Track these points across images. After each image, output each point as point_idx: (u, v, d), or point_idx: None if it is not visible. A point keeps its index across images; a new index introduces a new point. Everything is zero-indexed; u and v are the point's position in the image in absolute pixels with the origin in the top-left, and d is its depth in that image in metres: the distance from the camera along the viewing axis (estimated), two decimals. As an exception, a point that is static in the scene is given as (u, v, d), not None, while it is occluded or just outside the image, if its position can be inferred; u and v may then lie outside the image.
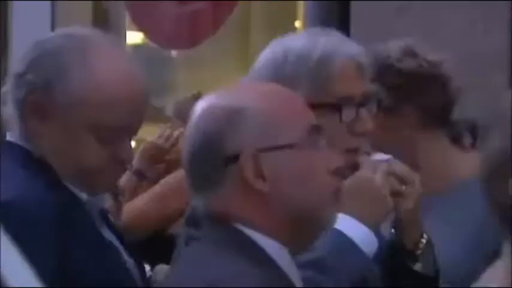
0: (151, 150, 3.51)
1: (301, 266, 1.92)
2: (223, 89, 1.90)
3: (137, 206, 3.21)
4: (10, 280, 1.20)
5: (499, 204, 1.44)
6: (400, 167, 2.12)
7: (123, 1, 5.69)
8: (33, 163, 2.04)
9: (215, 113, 1.77)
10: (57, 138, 2.03)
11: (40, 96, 2.03)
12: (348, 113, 2.14)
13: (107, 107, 2.02)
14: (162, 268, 2.52)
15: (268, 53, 2.19)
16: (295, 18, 6.32)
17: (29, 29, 5.14)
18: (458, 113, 3.15)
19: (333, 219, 1.81)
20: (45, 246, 1.86)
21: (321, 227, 1.79)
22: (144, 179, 3.43)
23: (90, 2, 5.91)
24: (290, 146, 1.74)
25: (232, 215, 1.74)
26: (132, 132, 2.09)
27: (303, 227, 1.76)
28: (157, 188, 3.35)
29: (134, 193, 3.33)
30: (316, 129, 1.79)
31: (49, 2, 5.49)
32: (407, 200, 2.10)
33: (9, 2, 5.67)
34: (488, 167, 1.45)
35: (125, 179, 3.27)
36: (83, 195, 2.05)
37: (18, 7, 5.64)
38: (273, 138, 1.74)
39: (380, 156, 2.16)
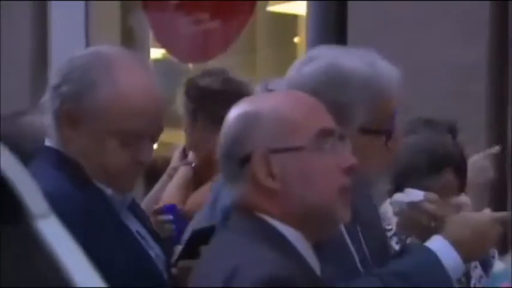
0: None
1: (386, 273, 1.91)
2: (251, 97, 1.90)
3: (203, 199, 3.13)
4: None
5: None
6: (435, 208, 2.06)
7: (148, 21, 5.69)
8: (67, 164, 2.05)
9: (236, 118, 1.78)
10: (86, 143, 2.04)
11: (72, 106, 2.04)
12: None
13: (129, 116, 2.02)
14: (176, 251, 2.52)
15: (313, 69, 2.03)
16: (295, 35, 6.32)
17: (66, 48, 5.15)
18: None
19: (341, 215, 1.76)
20: (76, 235, 1.86)
21: (330, 220, 1.77)
22: (203, 174, 3.27)
23: (118, 22, 5.91)
24: (298, 148, 1.73)
25: (253, 206, 1.74)
26: (151, 137, 2.09)
27: (314, 220, 1.74)
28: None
29: (191, 186, 3.26)
30: (326, 132, 1.76)
31: (83, 23, 5.51)
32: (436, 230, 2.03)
33: (48, 25, 5.68)
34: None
35: (182, 174, 3.27)
36: (109, 191, 2.06)
37: (56, 31, 5.65)
38: (283, 141, 1.73)
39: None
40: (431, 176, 2.63)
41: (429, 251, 1.95)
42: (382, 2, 4.07)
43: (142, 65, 2.14)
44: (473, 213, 2.06)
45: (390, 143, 2.03)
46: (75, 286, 1.22)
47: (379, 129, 2.02)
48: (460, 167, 2.69)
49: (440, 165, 2.65)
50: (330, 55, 2.07)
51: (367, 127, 2.01)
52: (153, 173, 3.53)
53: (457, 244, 1.95)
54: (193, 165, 3.34)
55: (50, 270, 1.24)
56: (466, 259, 1.97)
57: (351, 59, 2.04)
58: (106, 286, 1.26)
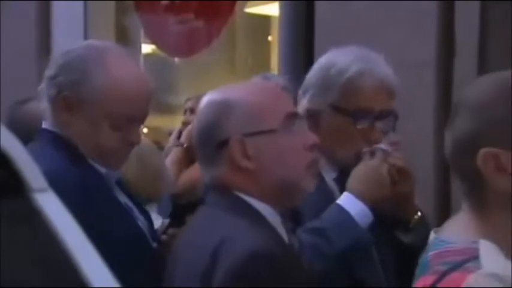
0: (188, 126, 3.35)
1: (306, 231, 1.92)
2: (220, 87, 1.87)
3: (193, 177, 3.08)
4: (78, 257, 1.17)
5: (462, 174, 1.43)
6: (400, 160, 2.06)
7: (139, 20, 5.68)
8: (64, 145, 2.03)
9: (210, 107, 1.75)
10: (81, 126, 2.02)
11: (68, 94, 2.02)
12: (364, 123, 2.07)
13: (121, 101, 2.00)
14: (165, 222, 2.48)
15: (321, 61, 2.16)
16: (269, 34, 6.29)
17: (67, 45, 5.12)
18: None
19: (309, 185, 1.77)
20: (74, 207, 1.84)
21: (300, 192, 1.77)
22: (194, 154, 3.25)
23: (113, 22, 5.89)
24: (270, 131, 1.71)
25: (230, 185, 1.72)
26: (140, 120, 2.08)
27: (286, 193, 1.73)
28: None
29: (188, 165, 3.19)
30: (292, 115, 1.75)
31: (82, 23, 5.50)
32: (401, 187, 2.05)
33: (50, 24, 5.66)
34: (452, 145, 1.44)
35: (174, 156, 3.21)
36: (102, 169, 2.05)
37: (58, 29, 5.62)
38: (256, 125, 1.71)
39: (383, 146, 2.08)
40: None
41: (338, 206, 1.98)
42: (345, 3, 4.06)
43: (130, 57, 2.12)
44: (364, 164, 2.04)
45: (361, 130, 2.06)
46: (72, 256, 1.17)
47: (345, 109, 2.06)
48: None
49: None
50: (330, 54, 2.19)
51: (336, 105, 2.07)
52: None
53: (359, 194, 1.97)
54: (184, 146, 3.28)
55: (48, 241, 1.19)
56: (372, 204, 1.98)
57: (346, 53, 2.15)
58: (99, 256, 1.21)
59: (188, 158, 3.25)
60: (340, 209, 1.98)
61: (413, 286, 1.45)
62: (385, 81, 2.10)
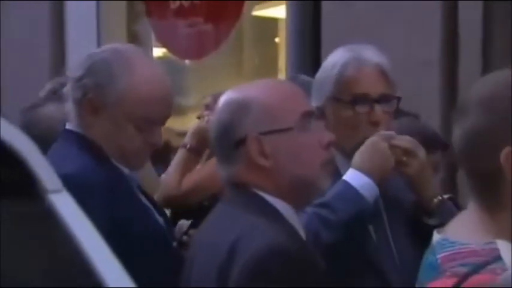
0: (201, 132, 3.21)
1: (313, 205, 1.92)
2: (238, 86, 1.86)
3: (195, 180, 3.04)
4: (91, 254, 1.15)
5: (476, 172, 1.38)
6: (404, 141, 2.08)
7: (150, 24, 5.68)
8: (88, 145, 2.03)
9: (228, 106, 1.73)
10: (105, 127, 2.02)
11: (94, 96, 2.02)
12: (363, 107, 2.12)
13: (144, 104, 2.00)
14: (183, 223, 2.45)
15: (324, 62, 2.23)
16: (276, 36, 6.27)
17: (80, 49, 5.14)
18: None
19: (323, 183, 1.75)
20: (101, 206, 1.84)
21: (314, 189, 1.75)
22: (198, 155, 3.23)
23: (125, 26, 5.90)
24: (286, 130, 1.70)
25: (247, 182, 1.70)
26: (161, 122, 2.08)
27: (301, 190, 1.72)
28: (208, 168, 3.12)
29: (192, 167, 3.13)
30: (308, 114, 1.74)
31: (95, 27, 5.51)
32: (408, 168, 2.06)
33: (65, 28, 5.67)
34: (465, 142, 1.39)
35: (179, 157, 3.16)
36: (125, 170, 2.05)
37: (72, 34, 5.63)
38: (273, 124, 1.70)
39: (388, 131, 2.12)
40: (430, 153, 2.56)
41: (343, 181, 2.02)
42: (351, 4, 4.04)
43: (153, 60, 2.17)
44: (365, 143, 2.06)
45: (362, 115, 2.11)
46: (86, 255, 1.15)
47: (343, 97, 2.13)
48: (445, 148, 2.68)
49: (431, 145, 2.60)
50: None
51: (334, 96, 2.13)
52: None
53: (363, 168, 2.00)
54: (187, 146, 3.22)
55: (62, 241, 1.17)
56: (376, 177, 2.00)
57: (339, 50, 2.20)
58: (114, 255, 1.19)
59: (192, 158, 3.18)
60: (345, 182, 2.01)
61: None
62: (375, 66, 2.14)
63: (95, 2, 5.72)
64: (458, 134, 1.40)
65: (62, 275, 1.14)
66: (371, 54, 2.16)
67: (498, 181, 1.34)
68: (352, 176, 2.02)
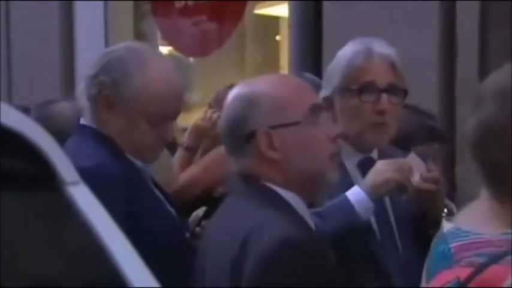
0: (197, 130, 3.25)
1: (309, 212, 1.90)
2: (247, 80, 1.85)
3: (188, 177, 3.05)
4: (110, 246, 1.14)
5: (489, 161, 1.36)
6: (408, 166, 2.05)
7: (156, 23, 5.68)
8: (104, 140, 2.05)
9: (237, 101, 1.73)
10: (120, 123, 2.04)
11: (109, 93, 2.03)
12: (369, 96, 2.11)
13: (157, 101, 2.02)
14: (198, 213, 2.45)
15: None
16: (277, 34, 6.26)
17: (89, 48, 5.15)
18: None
19: (332, 175, 1.74)
20: (118, 199, 1.84)
21: (323, 182, 1.74)
22: (194, 153, 3.23)
23: (131, 24, 5.90)
24: (295, 123, 1.69)
25: (257, 175, 1.70)
26: (173, 118, 2.09)
27: (310, 182, 1.71)
28: (202, 162, 3.13)
29: (188, 165, 3.15)
30: (317, 108, 1.73)
31: (103, 27, 5.51)
32: (408, 190, 2.03)
33: (74, 29, 5.67)
34: (479, 133, 1.37)
35: (178, 155, 3.17)
36: (139, 163, 2.06)
37: (80, 34, 5.63)
38: (281, 118, 1.69)
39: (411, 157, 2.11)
40: (428, 144, 2.54)
41: (344, 196, 2.02)
42: (352, 4, 4.04)
43: (166, 58, 2.18)
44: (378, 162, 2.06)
45: (369, 104, 2.09)
46: (105, 247, 1.15)
47: (350, 86, 2.11)
48: (444, 140, 2.68)
49: (435, 137, 2.62)
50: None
51: (342, 86, 2.12)
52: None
53: (364, 187, 2.00)
54: (184, 146, 3.23)
55: (81, 233, 1.17)
56: (372, 195, 1.99)
57: (349, 43, 2.20)
58: (132, 246, 1.19)
59: (188, 157, 3.18)
60: (343, 196, 2.01)
61: (426, 278, 1.39)
62: (383, 57, 2.14)
63: (102, 2, 5.72)
64: (472, 124, 1.38)
65: (81, 266, 1.14)
66: (381, 46, 2.16)
67: (509, 172, 1.33)
68: (353, 192, 2.01)
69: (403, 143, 2.50)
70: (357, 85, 2.11)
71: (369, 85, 2.10)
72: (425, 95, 3.64)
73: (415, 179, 2.05)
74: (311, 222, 1.73)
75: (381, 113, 2.09)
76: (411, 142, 2.53)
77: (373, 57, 2.13)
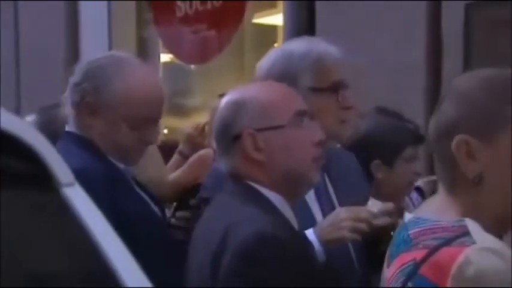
0: (186, 137, 3.22)
1: None
2: (235, 88, 1.84)
3: (173, 179, 3.05)
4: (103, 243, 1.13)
5: (440, 156, 1.40)
6: (364, 213, 1.89)
7: (158, 32, 5.69)
8: (87, 144, 2.05)
9: (228, 105, 1.75)
10: (102, 127, 2.04)
11: (91, 100, 2.04)
12: (342, 95, 2.02)
13: (136, 105, 2.02)
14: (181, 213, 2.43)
15: (274, 56, 2.05)
16: (274, 42, 6.27)
17: (94, 54, 5.13)
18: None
19: (314, 178, 1.73)
20: (103, 199, 1.82)
21: (305, 184, 1.74)
22: (186, 157, 3.24)
23: (134, 33, 5.90)
24: (280, 127, 1.69)
25: (244, 175, 1.71)
26: (154, 121, 2.08)
27: (293, 183, 1.70)
28: (186, 167, 3.12)
29: (177, 167, 3.14)
30: (301, 113, 1.73)
31: (106, 35, 5.51)
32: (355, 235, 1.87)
33: (79, 37, 5.66)
34: (433, 129, 1.41)
35: (172, 160, 3.18)
36: (121, 165, 2.07)
37: (85, 42, 5.62)
38: (267, 121, 1.69)
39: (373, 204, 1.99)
40: (415, 146, 2.52)
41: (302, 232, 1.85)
42: (343, 14, 4.04)
43: (145, 66, 2.14)
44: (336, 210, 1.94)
45: (342, 101, 2.01)
46: (99, 247, 1.13)
47: (323, 87, 2.01)
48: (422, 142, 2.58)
49: (420, 138, 2.55)
50: (284, 46, 2.11)
51: (314, 86, 2.00)
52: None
53: (318, 232, 1.87)
54: (178, 150, 3.24)
55: (76, 233, 1.16)
56: (324, 242, 1.86)
57: (297, 43, 2.06)
58: (125, 246, 1.17)
59: (180, 161, 3.19)
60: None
61: (388, 262, 1.41)
62: (338, 54, 2.03)
63: (106, 11, 5.72)
64: (431, 122, 1.42)
65: (75, 266, 1.13)
66: (329, 47, 2.04)
67: (452, 166, 1.36)
68: (308, 232, 1.87)
69: (389, 149, 2.47)
70: (328, 84, 2.01)
71: (338, 84, 2.01)
72: (412, 96, 3.63)
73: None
74: (295, 222, 1.72)
75: (347, 108, 2.02)
76: (399, 146, 2.50)
77: (334, 57, 2.01)
